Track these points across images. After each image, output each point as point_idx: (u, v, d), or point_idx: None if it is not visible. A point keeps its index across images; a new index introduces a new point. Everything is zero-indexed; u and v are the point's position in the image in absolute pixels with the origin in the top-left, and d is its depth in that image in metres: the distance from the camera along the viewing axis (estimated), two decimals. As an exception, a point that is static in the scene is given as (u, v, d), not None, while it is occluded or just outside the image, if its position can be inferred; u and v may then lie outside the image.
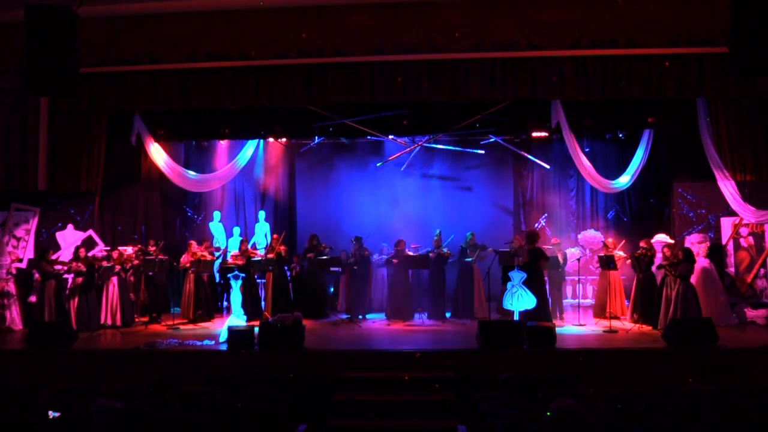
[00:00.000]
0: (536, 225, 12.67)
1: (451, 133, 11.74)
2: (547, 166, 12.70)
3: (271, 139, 12.57)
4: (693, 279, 9.54)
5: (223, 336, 8.64)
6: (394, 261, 10.87)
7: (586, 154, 11.64)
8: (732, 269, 10.57)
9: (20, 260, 10.66)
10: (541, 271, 9.75)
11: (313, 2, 9.27)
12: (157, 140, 11.47)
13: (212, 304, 11.28)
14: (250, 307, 10.44)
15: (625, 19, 9.06)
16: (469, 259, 10.98)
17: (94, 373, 7.90)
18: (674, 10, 9.00)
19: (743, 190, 10.21)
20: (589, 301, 12.02)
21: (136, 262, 10.71)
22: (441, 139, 12.43)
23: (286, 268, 11.41)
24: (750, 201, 10.21)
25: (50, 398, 4.63)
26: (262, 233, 12.83)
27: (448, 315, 10.92)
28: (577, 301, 11.76)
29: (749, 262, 10.55)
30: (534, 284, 9.33)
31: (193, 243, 11.12)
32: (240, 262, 10.73)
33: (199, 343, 8.72)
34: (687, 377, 7.48)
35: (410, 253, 10.98)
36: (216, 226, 12.79)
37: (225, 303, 11.42)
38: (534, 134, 11.78)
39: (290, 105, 9.97)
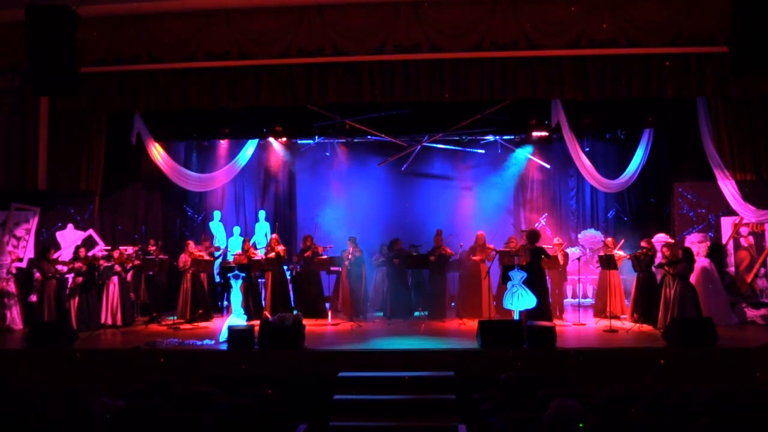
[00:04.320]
0: (536, 225, 12.67)
1: (451, 132, 11.75)
2: (548, 166, 12.71)
3: (271, 139, 12.58)
4: (693, 278, 9.54)
5: (223, 335, 8.65)
6: (395, 261, 10.84)
7: (586, 153, 11.64)
8: (732, 269, 10.57)
9: (20, 260, 10.66)
10: (542, 270, 9.74)
11: (313, 2, 9.27)
12: (157, 140, 11.48)
13: (210, 304, 11.28)
14: (251, 306, 10.44)
15: (625, 18, 9.06)
16: None
17: (95, 373, 7.90)
18: (674, 10, 9.00)
19: (743, 190, 10.22)
20: (589, 301, 12.03)
21: (136, 261, 10.72)
22: (441, 139, 12.43)
23: (285, 267, 11.41)
24: (750, 200, 10.21)
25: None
26: (262, 233, 12.83)
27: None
28: (577, 300, 11.77)
29: (749, 261, 10.55)
30: (535, 283, 9.33)
31: (191, 243, 11.12)
32: (243, 261, 10.74)
33: (199, 343, 8.73)
34: (687, 377, 7.47)
35: (411, 252, 10.98)
36: (216, 226, 12.80)
37: (225, 303, 11.43)
38: (534, 134, 11.79)
39: (290, 104, 9.96)
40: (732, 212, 10.50)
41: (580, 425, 3.31)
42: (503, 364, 7.50)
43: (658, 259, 9.95)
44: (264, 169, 13.51)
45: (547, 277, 11.23)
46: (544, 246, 10.70)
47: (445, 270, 11.11)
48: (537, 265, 9.60)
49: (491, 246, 11.08)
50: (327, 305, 11.19)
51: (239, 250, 11.43)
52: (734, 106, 10.03)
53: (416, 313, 10.91)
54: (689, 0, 9.01)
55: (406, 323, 10.43)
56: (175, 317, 10.60)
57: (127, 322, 10.39)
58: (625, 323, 10.00)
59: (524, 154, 12.65)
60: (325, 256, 11.09)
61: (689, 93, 9.62)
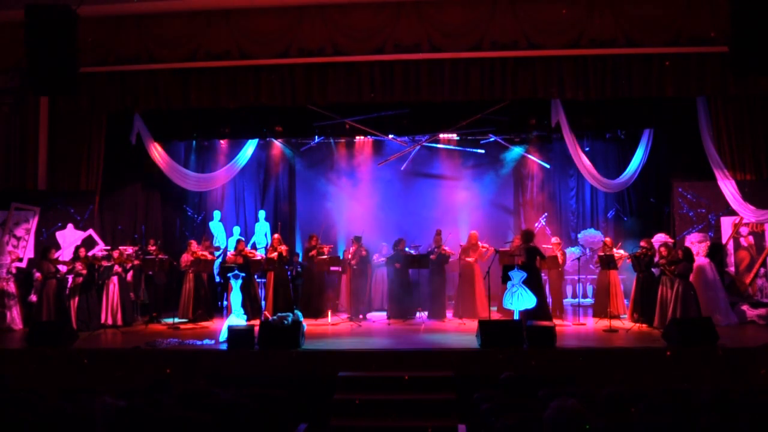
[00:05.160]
0: (536, 225, 12.68)
1: (450, 132, 11.75)
2: (548, 166, 12.71)
3: (271, 139, 12.57)
4: (693, 278, 9.54)
5: (223, 335, 8.65)
6: (396, 265, 10.82)
7: (586, 153, 11.65)
8: (732, 269, 10.57)
9: (20, 260, 10.65)
10: (537, 269, 9.74)
11: (313, 2, 9.27)
12: (157, 140, 11.49)
13: (212, 304, 11.29)
14: (250, 306, 10.45)
15: (625, 18, 9.06)
16: None
17: (95, 373, 7.90)
18: (674, 10, 9.00)
19: (743, 190, 10.22)
20: (589, 301, 12.03)
21: (136, 261, 10.72)
22: (441, 139, 12.42)
23: (286, 267, 11.42)
24: (750, 200, 10.22)
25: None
26: (262, 233, 12.84)
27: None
28: (577, 300, 11.77)
29: (749, 261, 10.55)
30: (531, 283, 9.33)
31: (193, 242, 11.15)
32: (239, 261, 10.74)
33: (199, 343, 8.73)
34: (687, 377, 7.47)
35: (411, 252, 10.99)
36: (216, 226, 12.80)
37: (225, 302, 11.43)
38: (534, 134, 11.78)
39: (290, 104, 9.96)
40: (732, 212, 10.50)
41: (587, 427, 3.30)
42: (503, 364, 7.49)
43: (657, 258, 9.96)
44: (264, 169, 13.52)
45: (545, 277, 11.27)
46: (543, 245, 10.72)
47: (444, 270, 11.12)
48: (532, 265, 9.61)
49: (485, 245, 11.09)
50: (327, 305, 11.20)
51: (233, 251, 11.44)
52: (734, 106, 10.05)
53: (416, 313, 10.91)
54: (689, 0, 9.01)
55: (406, 323, 10.44)
56: (176, 317, 10.59)
57: (127, 322, 10.40)
58: (625, 323, 10.00)
59: (519, 150, 12.67)
60: (325, 257, 11.10)
61: (689, 93, 9.63)
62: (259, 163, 13.39)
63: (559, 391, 4.77)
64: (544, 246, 11.30)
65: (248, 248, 11.66)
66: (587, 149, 12.21)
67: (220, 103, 9.93)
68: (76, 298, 10.08)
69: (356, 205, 12.84)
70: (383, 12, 9.28)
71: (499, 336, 8.15)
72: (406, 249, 11.08)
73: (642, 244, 10.27)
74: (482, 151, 12.83)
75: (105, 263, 10.27)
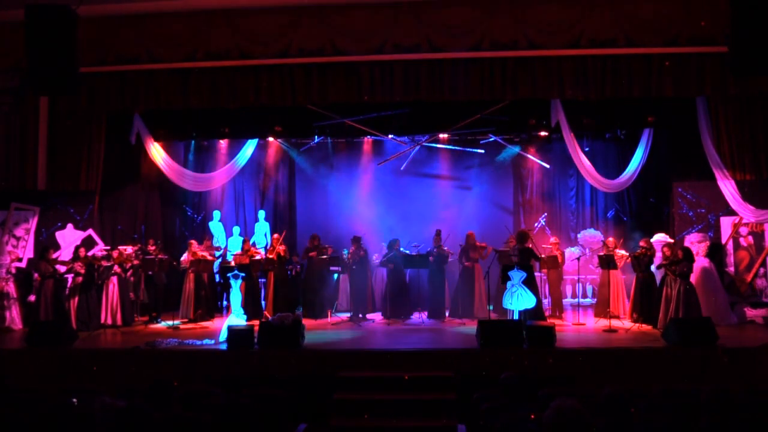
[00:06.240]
0: (536, 225, 12.68)
1: (450, 132, 11.75)
2: (547, 166, 12.71)
3: (271, 139, 12.57)
4: (693, 278, 9.54)
5: (223, 335, 8.64)
6: (390, 266, 10.84)
7: (586, 153, 11.65)
8: (732, 269, 10.58)
9: (20, 260, 10.65)
10: (531, 269, 9.76)
11: (312, 1, 9.26)
12: (157, 140, 11.49)
13: (212, 304, 11.29)
14: (250, 306, 10.45)
15: (625, 18, 9.05)
16: None
17: (94, 373, 7.90)
18: (674, 10, 8.99)
19: (743, 190, 10.23)
20: (589, 301, 12.04)
21: (135, 261, 10.72)
22: (441, 139, 12.42)
23: (286, 267, 11.41)
24: (750, 200, 10.22)
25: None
26: (262, 233, 12.83)
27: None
28: (577, 300, 11.77)
29: (749, 261, 10.56)
30: (527, 284, 9.34)
31: (194, 242, 11.15)
32: (245, 261, 10.74)
33: (198, 343, 8.73)
34: (687, 377, 7.48)
35: (407, 252, 10.99)
36: (216, 226, 12.80)
37: (225, 302, 11.44)
38: (534, 134, 11.77)
39: (290, 104, 9.95)
40: (731, 212, 10.51)
41: (593, 430, 3.30)
42: (503, 364, 7.50)
43: (658, 259, 9.96)
44: (264, 169, 13.51)
45: (545, 277, 11.26)
46: (542, 245, 10.71)
47: (444, 270, 11.12)
48: (526, 265, 9.62)
49: (483, 244, 11.08)
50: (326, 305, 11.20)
51: (239, 251, 11.45)
52: (734, 106, 10.05)
53: (416, 313, 10.92)
54: (689, 0, 9.00)
55: (405, 323, 10.43)
56: (176, 317, 10.59)
57: (126, 322, 10.40)
58: (625, 323, 10.00)
59: (518, 150, 12.66)
60: (324, 256, 11.10)
61: (689, 93, 9.62)
62: (258, 163, 13.38)
63: (559, 391, 4.78)
64: (542, 246, 11.31)
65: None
66: (587, 149, 12.21)
67: (220, 103, 9.92)
68: (76, 298, 10.08)
69: (356, 205, 12.84)
70: (382, 12, 9.26)
71: (499, 336, 8.15)
72: (401, 249, 11.07)
73: (642, 244, 10.27)
74: (482, 151, 12.83)
75: (105, 263, 10.27)
